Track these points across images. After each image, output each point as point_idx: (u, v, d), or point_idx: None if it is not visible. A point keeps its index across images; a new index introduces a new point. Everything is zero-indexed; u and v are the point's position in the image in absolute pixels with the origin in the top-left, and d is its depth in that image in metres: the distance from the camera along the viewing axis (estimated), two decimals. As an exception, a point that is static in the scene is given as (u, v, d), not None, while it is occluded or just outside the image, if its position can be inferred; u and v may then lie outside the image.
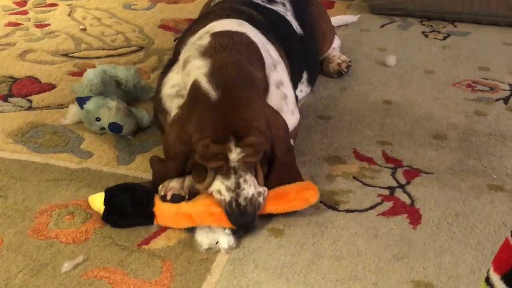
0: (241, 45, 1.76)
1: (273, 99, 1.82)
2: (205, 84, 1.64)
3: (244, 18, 1.94)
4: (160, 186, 1.72)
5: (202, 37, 1.80)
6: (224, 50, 1.72)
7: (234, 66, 1.68)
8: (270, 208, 1.69)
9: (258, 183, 1.68)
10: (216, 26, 1.86)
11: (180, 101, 1.82)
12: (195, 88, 1.66)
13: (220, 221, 1.63)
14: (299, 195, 1.71)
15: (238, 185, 1.63)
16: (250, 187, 1.64)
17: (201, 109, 1.63)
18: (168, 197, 1.68)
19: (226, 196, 1.63)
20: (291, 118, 1.89)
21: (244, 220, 1.63)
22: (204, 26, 1.90)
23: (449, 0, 3.24)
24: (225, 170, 1.63)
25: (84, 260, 1.56)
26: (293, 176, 1.78)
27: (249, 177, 1.65)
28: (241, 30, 1.83)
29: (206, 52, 1.73)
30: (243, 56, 1.74)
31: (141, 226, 1.67)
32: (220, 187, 1.65)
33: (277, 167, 1.73)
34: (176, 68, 1.89)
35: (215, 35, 1.79)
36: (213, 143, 1.60)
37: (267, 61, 1.82)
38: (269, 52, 1.89)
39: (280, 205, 1.70)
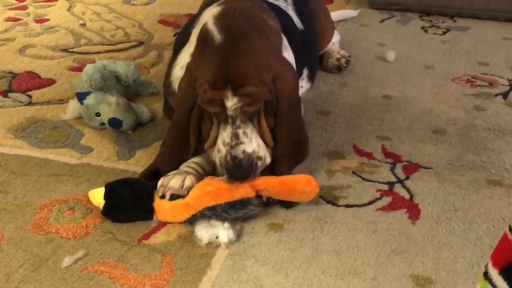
0: (255, 2, 1.76)
1: None
2: (211, 26, 1.63)
3: None
4: (159, 185, 1.70)
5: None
6: (238, 1, 1.72)
7: (243, 11, 1.66)
8: (274, 195, 1.69)
9: (266, 142, 1.66)
10: None
11: None
12: (203, 31, 1.65)
13: (217, 198, 1.63)
14: (305, 189, 1.70)
15: (236, 136, 1.61)
16: (251, 143, 1.63)
17: (206, 52, 1.61)
18: (167, 197, 1.67)
19: (222, 150, 1.62)
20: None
21: (239, 173, 1.61)
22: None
23: (449, -5, 3.25)
24: (223, 117, 1.62)
25: (84, 255, 1.56)
26: (300, 132, 1.76)
27: (250, 131, 1.64)
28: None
29: (220, 3, 1.73)
30: (259, 6, 1.74)
31: (141, 221, 1.68)
32: (219, 143, 1.64)
33: (280, 122, 1.70)
34: (187, 48, 1.86)
35: None
36: (210, 88, 1.58)
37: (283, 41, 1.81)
38: (281, 34, 1.88)
39: (286, 195, 1.70)
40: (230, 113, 1.61)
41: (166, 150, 1.78)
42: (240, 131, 1.62)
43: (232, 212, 1.64)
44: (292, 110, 1.73)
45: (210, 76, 1.58)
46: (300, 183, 1.70)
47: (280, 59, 1.72)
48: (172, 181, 1.69)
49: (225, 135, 1.63)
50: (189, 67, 1.69)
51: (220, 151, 1.64)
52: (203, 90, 1.60)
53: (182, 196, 1.67)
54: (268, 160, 1.69)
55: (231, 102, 1.59)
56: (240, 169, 1.61)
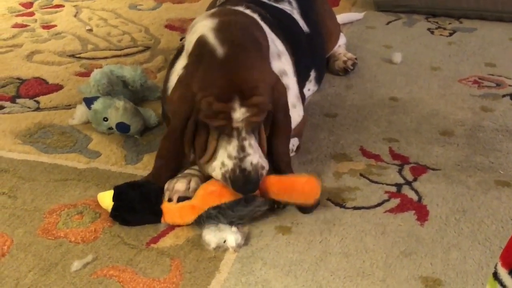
0: (248, 18, 1.79)
1: None
2: (212, 39, 1.63)
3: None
4: (165, 189, 1.71)
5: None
6: (234, 14, 1.74)
7: (242, 26, 1.68)
8: (274, 194, 1.69)
9: (263, 151, 1.67)
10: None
11: None
12: (200, 43, 1.65)
13: (220, 197, 1.63)
14: (304, 188, 1.69)
15: (242, 149, 1.61)
16: (255, 154, 1.63)
17: (206, 65, 1.61)
18: (174, 200, 1.68)
19: (229, 164, 1.61)
20: (292, 112, 1.85)
21: (249, 187, 1.61)
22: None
23: (455, -4, 3.24)
24: (228, 130, 1.61)
25: (93, 259, 1.56)
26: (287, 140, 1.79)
27: (254, 143, 1.64)
28: (250, 14, 1.85)
29: (214, 14, 1.73)
30: (251, 23, 1.75)
31: (149, 223, 1.68)
32: (223, 157, 1.62)
33: (279, 132, 1.72)
34: (183, 55, 1.87)
35: (224, 8, 1.81)
36: (216, 101, 1.57)
37: (271, 47, 1.81)
38: (274, 41, 1.88)
39: (286, 194, 1.69)
40: (236, 125, 1.60)
41: (162, 162, 1.76)
42: (246, 143, 1.62)
43: (237, 209, 1.64)
44: (287, 119, 1.75)
45: (215, 89, 1.58)
46: (299, 182, 1.69)
47: (273, 71, 1.74)
48: (177, 184, 1.70)
49: (230, 148, 1.62)
50: (183, 80, 1.67)
51: (225, 165, 1.63)
52: (207, 103, 1.58)
53: (189, 198, 1.67)
54: (268, 168, 1.69)
55: (239, 114, 1.59)
56: (250, 182, 1.61)
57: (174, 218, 1.67)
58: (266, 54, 1.75)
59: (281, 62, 1.89)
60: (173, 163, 1.76)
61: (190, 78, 1.64)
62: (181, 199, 1.67)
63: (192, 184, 1.70)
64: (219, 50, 1.61)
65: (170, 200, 1.68)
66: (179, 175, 1.75)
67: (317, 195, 1.70)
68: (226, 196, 1.63)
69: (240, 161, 1.61)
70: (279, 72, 1.83)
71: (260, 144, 1.68)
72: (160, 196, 1.69)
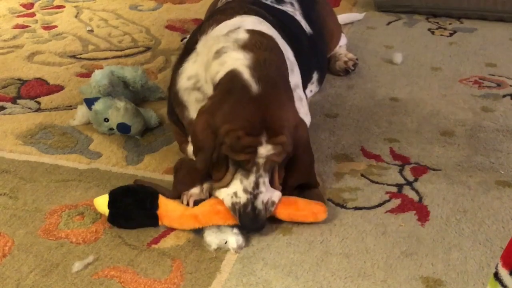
0: (277, 48, 1.77)
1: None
2: (247, 75, 1.63)
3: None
4: (183, 195, 1.71)
5: (236, 32, 1.78)
6: (265, 49, 1.72)
7: (275, 64, 1.69)
8: (278, 212, 1.68)
9: (275, 187, 1.67)
10: (245, 22, 1.84)
11: (197, 95, 1.82)
12: (233, 78, 1.64)
13: (226, 219, 1.63)
14: (308, 207, 1.70)
15: (257, 186, 1.62)
16: (267, 192, 1.64)
17: (236, 100, 1.61)
18: (191, 204, 1.68)
19: (242, 197, 1.62)
20: (306, 119, 1.88)
21: (257, 225, 1.63)
22: (227, 19, 1.88)
23: (455, -3, 3.25)
24: (250, 166, 1.61)
25: (94, 260, 1.57)
26: (311, 177, 1.77)
27: (267, 181, 1.64)
28: (269, 33, 1.83)
29: (247, 47, 1.71)
30: (280, 59, 1.75)
31: (147, 227, 1.68)
32: (237, 187, 1.63)
33: (298, 168, 1.71)
34: (193, 57, 1.87)
35: (253, 33, 1.77)
36: (245, 135, 1.58)
37: (287, 62, 1.82)
38: (288, 55, 1.88)
39: (288, 211, 1.69)
40: (259, 160, 1.61)
41: (183, 188, 1.73)
42: (261, 180, 1.63)
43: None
44: (308, 157, 1.74)
45: (246, 122, 1.58)
46: (309, 213, 1.69)
47: (296, 111, 1.74)
48: (193, 189, 1.70)
49: (247, 183, 1.62)
50: (210, 112, 1.64)
51: (237, 196, 1.63)
52: (236, 138, 1.58)
53: (205, 199, 1.68)
54: (280, 198, 1.69)
55: (264, 150, 1.59)
56: (258, 221, 1.62)
57: (172, 223, 1.67)
58: (292, 94, 1.75)
59: (294, 75, 1.89)
60: (192, 187, 1.74)
61: (216, 110, 1.62)
62: (196, 202, 1.68)
63: (205, 185, 1.71)
64: (254, 87, 1.61)
65: (187, 204, 1.69)
66: None
67: (324, 213, 1.71)
68: (231, 220, 1.64)
69: (254, 198, 1.61)
70: (294, 85, 1.83)
71: (272, 182, 1.67)
72: (156, 201, 1.67)
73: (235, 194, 1.63)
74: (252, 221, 1.61)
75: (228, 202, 1.64)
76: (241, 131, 1.58)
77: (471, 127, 2.20)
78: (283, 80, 1.71)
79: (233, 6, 2.05)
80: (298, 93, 1.88)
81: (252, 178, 1.62)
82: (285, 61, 1.79)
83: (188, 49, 1.92)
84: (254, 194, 1.61)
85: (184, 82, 1.85)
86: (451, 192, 1.83)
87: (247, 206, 1.61)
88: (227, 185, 1.65)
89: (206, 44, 1.82)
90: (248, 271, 1.53)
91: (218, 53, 1.73)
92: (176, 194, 1.72)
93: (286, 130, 1.62)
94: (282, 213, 1.69)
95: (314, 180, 1.78)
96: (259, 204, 1.61)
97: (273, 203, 1.66)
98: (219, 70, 1.69)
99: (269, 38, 1.79)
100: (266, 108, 1.59)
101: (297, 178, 1.73)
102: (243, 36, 1.75)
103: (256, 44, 1.72)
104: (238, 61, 1.67)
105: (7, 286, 1.48)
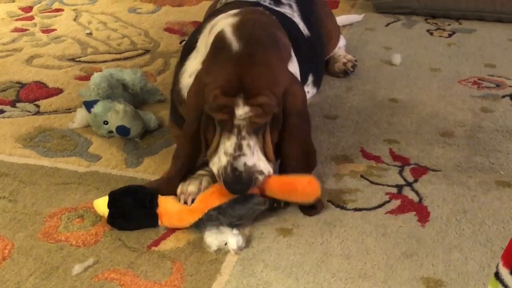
0: (270, 16, 1.78)
1: None
2: (229, 34, 1.62)
3: None
4: (179, 193, 1.71)
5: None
6: (254, 13, 1.72)
7: (262, 24, 1.67)
8: (275, 193, 1.69)
9: (268, 157, 1.65)
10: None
11: None
12: (219, 38, 1.64)
13: (220, 197, 1.63)
14: (305, 189, 1.69)
15: (239, 147, 1.59)
16: (253, 157, 1.61)
17: (220, 60, 1.61)
18: (189, 203, 1.68)
19: (223, 160, 1.60)
20: None
21: (238, 187, 1.59)
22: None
23: (454, -2, 3.25)
24: (229, 126, 1.60)
25: (94, 263, 1.56)
26: (309, 146, 1.75)
27: (254, 144, 1.62)
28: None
29: (237, 14, 1.72)
30: (272, 22, 1.74)
31: (147, 228, 1.68)
32: (220, 152, 1.62)
33: (290, 136, 1.69)
34: (193, 55, 1.87)
35: (248, 8, 1.79)
36: (222, 94, 1.57)
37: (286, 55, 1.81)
38: (287, 47, 1.88)
39: (287, 194, 1.69)
40: (237, 122, 1.59)
41: (179, 161, 1.76)
42: (244, 143, 1.60)
43: (237, 208, 1.64)
44: (301, 125, 1.72)
45: (223, 81, 1.57)
46: (301, 183, 1.69)
47: (290, 73, 1.71)
48: (190, 187, 1.71)
49: (228, 144, 1.61)
50: (199, 74, 1.68)
51: (221, 160, 1.62)
52: (214, 96, 1.58)
53: None
54: (270, 173, 1.67)
55: (242, 111, 1.57)
56: (239, 182, 1.59)
57: (172, 221, 1.67)
58: (285, 56, 1.73)
59: (293, 65, 1.88)
60: (189, 161, 1.75)
61: (204, 72, 1.64)
62: (194, 201, 1.68)
63: (204, 184, 1.72)
64: (235, 45, 1.60)
65: (185, 203, 1.69)
66: (191, 177, 1.76)
67: (318, 195, 1.70)
68: (226, 196, 1.63)
69: (233, 159, 1.59)
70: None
71: (264, 149, 1.66)
72: (155, 200, 1.68)
73: (219, 159, 1.62)
74: (233, 183, 1.59)
75: (215, 170, 1.63)
76: (217, 90, 1.57)
77: (470, 127, 2.20)
78: (271, 40, 1.67)
79: (232, 7, 2.05)
80: None
81: (233, 139, 1.60)
82: (279, 26, 1.76)
83: (188, 49, 1.93)
84: (234, 155, 1.59)
85: (186, 80, 1.85)
86: (451, 193, 1.83)
87: (227, 168, 1.59)
88: (215, 150, 1.64)
89: (204, 39, 1.82)
90: (249, 273, 1.53)
91: (212, 27, 1.75)
92: (170, 174, 1.73)
93: (268, 91, 1.58)
94: (273, 185, 1.67)
95: (312, 149, 1.76)
96: (239, 165, 1.58)
97: (261, 172, 1.62)
98: (212, 38, 1.70)
99: (260, 10, 1.79)
100: (246, 68, 1.57)
101: (293, 147, 1.70)
102: (237, 10, 1.77)
103: (249, 11, 1.74)
104: (225, 23, 1.67)
105: (7, 289, 1.48)
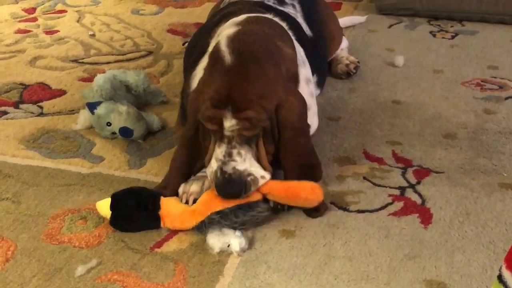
0: (276, 24, 1.77)
1: (304, 94, 1.78)
2: (224, 46, 1.65)
3: None
4: (181, 192, 1.72)
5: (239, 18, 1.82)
6: (256, 23, 1.73)
7: (258, 36, 1.68)
8: (278, 198, 1.69)
9: (263, 165, 1.66)
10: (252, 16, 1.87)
11: None
12: (216, 49, 1.67)
13: (223, 202, 1.63)
14: (308, 196, 1.70)
15: (229, 155, 1.62)
16: (244, 163, 1.63)
17: (214, 71, 1.63)
18: (190, 202, 1.69)
19: (214, 166, 1.63)
20: (316, 120, 1.87)
21: (229, 189, 1.61)
22: (235, 17, 1.90)
23: (457, -1, 3.24)
24: (219, 136, 1.63)
25: (97, 264, 1.57)
26: (309, 158, 1.75)
27: (246, 152, 1.64)
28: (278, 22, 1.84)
29: (239, 23, 1.75)
30: (275, 31, 1.74)
31: (149, 230, 1.68)
32: (212, 159, 1.64)
33: (285, 149, 1.70)
34: (205, 59, 1.86)
35: (253, 16, 1.80)
36: (211, 106, 1.60)
37: (298, 54, 1.81)
38: (298, 48, 1.88)
39: (290, 200, 1.70)
40: (227, 133, 1.62)
41: (175, 165, 1.78)
42: (235, 151, 1.63)
43: (241, 214, 1.64)
44: (297, 138, 1.72)
45: (213, 93, 1.60)
46: (304, 190, 1.69)
47: (288, 87, 1.70)
48: (192, 187, 1.72)
49: (218, 152, 1.64)
50: (199, 81, 1.71)
51: (211, 166, 1.65)
52: (205, 107, 1.61)
53: None
54: (265, 177, 1.67)
55: (229, 123, 1.60)
56: (229, 184, 1.61)
57: (174, 223, 1.67)
58: (285, 69, 1.73)
59: (306, 69, 1.88)
60: (186, 167, 1.77)
61: (202, 80, 1.68)
62: (196, 200, 1.68)
63: (206, 184, 1.72)
64: (227, 58, 1.62)
65: (186, 202, 1.69)
66: (193, 177, 1.77)
67: (320, 201, 1.70)
68: (230, 201, 1.64)
69: (223, 164, 1.62)
70: (306, 79, 1.82)
71: (259, 157, 1.67)
72: (157, 202, 1.68)
73: (211, 165, 1.65)
74: (224, 185, 1.60)
75: (209, 176, 1.65)
76: (208, 101, 1.60)
77: (473, 129, 2.19)
78: (267, 53, 1.68)
79: (239, 7, 2.07)
80: (310, 88, 1.86)
81: (223, 148, 1.63)
82: (284, 34, 1.77)
83: (200, 53, 1.94)
84: (224, 161, 1.61)
85: (195, 83, 1.86)
86: (454, 195, 1.83)
87: (217, 172, 1.61)
88: (211, 157, 1.67)
89: (213, 45, 1.83)
90: (251, 275, 1.53)
91: (218, 36, 1.77)
92: (168, 178, 1.75)
93: (257, 106, 1.60)
94: (276, 190, 1.68)
95: (314, 162, 1.76)
96: (229, 169, 1.61)
97: (252, 175, 1.63)
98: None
99: (266, 18, 1.80)
100: (236, 81, 1.59)
101: (288, 159, 1.71)
102: (241, 17, 1.78)
103: (249, 20, 1.74)
104: (224, 34, 1.69)
105: (10, 291, 1.49)
